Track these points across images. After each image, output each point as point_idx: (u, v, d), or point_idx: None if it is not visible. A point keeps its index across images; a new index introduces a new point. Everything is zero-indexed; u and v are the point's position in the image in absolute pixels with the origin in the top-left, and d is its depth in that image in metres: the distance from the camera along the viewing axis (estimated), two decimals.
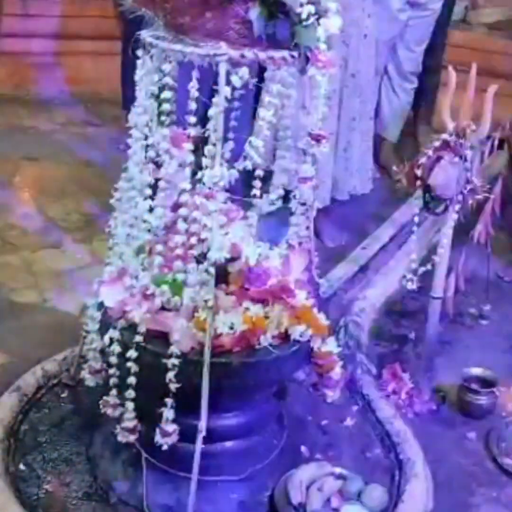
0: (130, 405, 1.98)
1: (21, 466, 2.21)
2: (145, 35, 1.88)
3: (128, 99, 4.19)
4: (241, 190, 2.22)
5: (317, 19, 1.81)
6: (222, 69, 1.77)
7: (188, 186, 1.92)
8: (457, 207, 2.51)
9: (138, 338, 1.91)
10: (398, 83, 4.39)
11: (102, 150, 4.50)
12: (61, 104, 5.28)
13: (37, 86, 5.39)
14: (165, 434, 1.94)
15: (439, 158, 2.47)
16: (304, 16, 1.77)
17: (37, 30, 5.33)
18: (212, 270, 1.86)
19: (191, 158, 1.90)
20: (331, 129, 3.39)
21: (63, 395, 2.48)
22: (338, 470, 2.20)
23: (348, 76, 3.47)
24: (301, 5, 1.75)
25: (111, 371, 2.00)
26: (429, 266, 2.58)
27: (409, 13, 4.12)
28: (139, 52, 1.92)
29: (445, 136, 2.47)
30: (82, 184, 4.09)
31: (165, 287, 1.93)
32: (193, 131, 1.88)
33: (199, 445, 1.91)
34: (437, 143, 2.48)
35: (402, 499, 2.16)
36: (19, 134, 4.79)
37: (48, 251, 3.48)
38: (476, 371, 2.71)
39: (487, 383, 2.66)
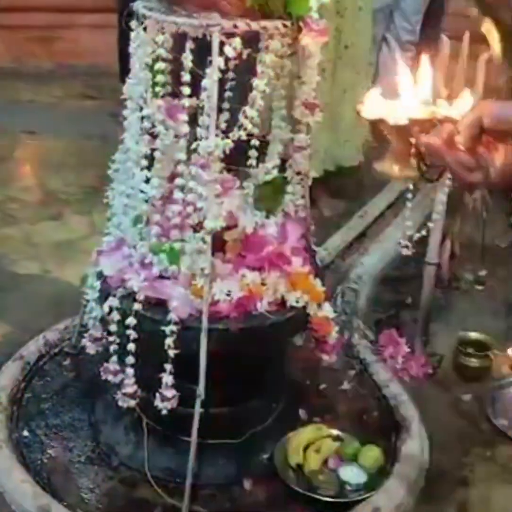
0: (130, 371, 2.01)
1: (25, 433, 2.24)
2: (138, 6, 1.90)
3: (125, 72, 4.20)
4: (237, 160, 2.24)
5: None
6: (215, 40, 1.79)
7: (183, 156, 1.94)
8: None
9: (137, 306, 1.93)
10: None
11: (101, 122, 4.52)
12: (59, 78, 5.29)
13: (36, 59, 5.40)
14: (164, 399, 1.97)
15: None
16: None
17: (35, 3, 5.33)
18: (208, 238, 1.89)
19: (186, 129, 1.92)
20: (325, 100, 3.39)
21: (65, 363, 2.52)
22: (335, 432, 2.25)
23: (342, 48, 3.46)
24: None
25: (111, 338, 2.03)
26: (424, 232, 2.61)
27: None
28: (133, 24, 1.93)
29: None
30: (81, 156, 4.12)
31: (162, 256, 1.95)
32: (187, 102, 1.90)
33: (198, 409, 1.95)
34: None
35: (398, 459, 2.20)
36: (18, 108, 4.82)
37: (48, 223, 3.51)
38: (472, 335, 2.76)
39: (482, 347, 2.71)
